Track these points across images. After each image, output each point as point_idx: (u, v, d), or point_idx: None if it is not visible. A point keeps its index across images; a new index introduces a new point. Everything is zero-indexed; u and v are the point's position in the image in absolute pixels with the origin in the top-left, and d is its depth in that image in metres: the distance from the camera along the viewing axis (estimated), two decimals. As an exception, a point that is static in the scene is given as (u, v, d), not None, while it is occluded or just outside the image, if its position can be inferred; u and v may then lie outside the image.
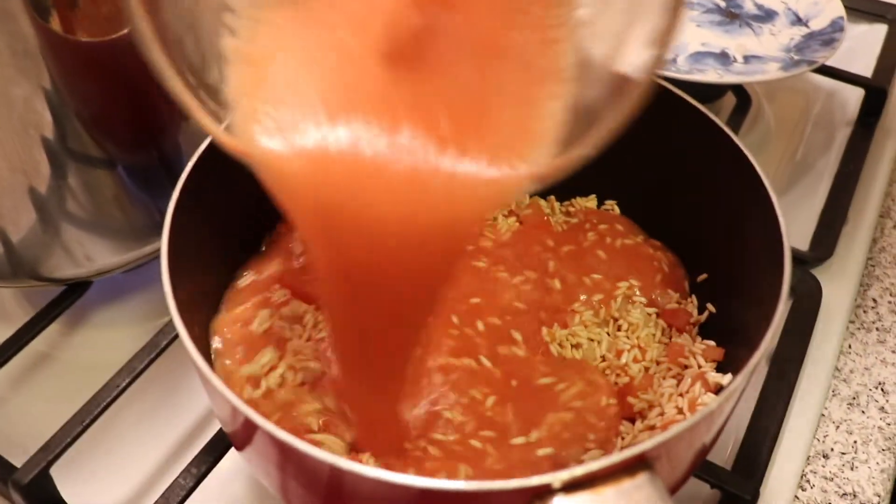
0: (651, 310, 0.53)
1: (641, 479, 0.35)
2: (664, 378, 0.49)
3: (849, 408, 0.64)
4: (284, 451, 0.38)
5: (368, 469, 0.35)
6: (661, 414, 0.47)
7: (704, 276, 0.55)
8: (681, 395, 0.48)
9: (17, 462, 0.54)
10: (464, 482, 0.35)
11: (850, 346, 0.68)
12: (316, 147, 0.32)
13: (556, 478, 0.34)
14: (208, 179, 0.51)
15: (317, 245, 0.37)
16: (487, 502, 0.36)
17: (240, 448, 0.46)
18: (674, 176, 0.52)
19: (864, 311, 0.71)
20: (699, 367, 0.50)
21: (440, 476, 0.42)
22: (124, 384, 0.56)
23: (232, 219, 0.56)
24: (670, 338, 0.52)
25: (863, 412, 0.64)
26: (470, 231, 0.37)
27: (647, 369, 0.49)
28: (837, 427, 0.63)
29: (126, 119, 0.58)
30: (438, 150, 0.32)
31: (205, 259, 0.52)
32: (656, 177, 0.55)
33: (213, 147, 0.51)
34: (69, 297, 0.65)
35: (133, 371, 0.56)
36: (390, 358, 0.41)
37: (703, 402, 0.48)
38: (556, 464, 0.43)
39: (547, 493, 0.34)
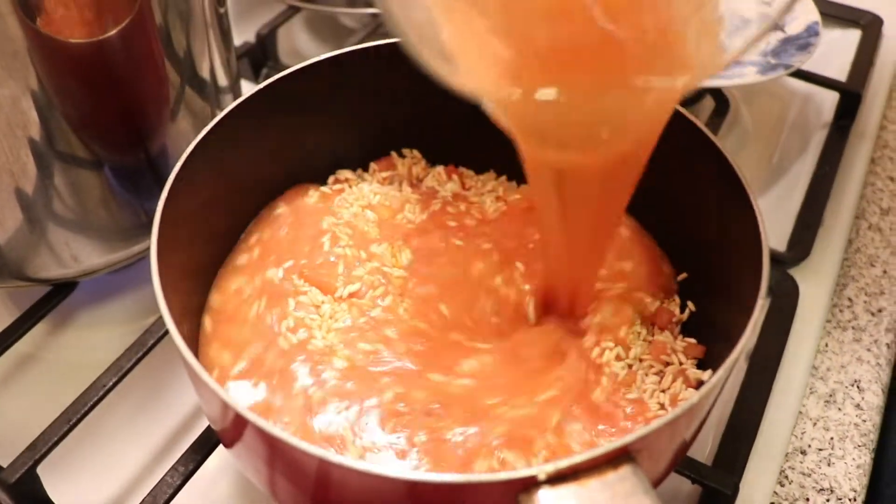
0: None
1: (625, 471, 0.36)
2: (647, 375, 0.50)
3: (826, 405, 0.65)
4: (273, 445, 0.39)
5: (356, 462, 0.36)
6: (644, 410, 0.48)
7: (684, 275, 0.56)
8: (663, 391, 0.49)
9: (4, 462, 0.54)
10: (450, 475, 0.36)
11: (826, 345, 0.70)
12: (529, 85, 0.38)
13: (542, 470, 0.35)
14: (196, 179, 0.51)
15: (536, 168, 0.44)
16: (474, 494, 0.37)
17: (228, 445, 0.46)
18: (656, 177, 0.53)
19: (840, 311, 0.72)
20: (680, 363, 0.51)
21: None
22: (111, 383, 0.56)
23: (218, 217, 0.56)
24: (653, 335, 0.52)
25: (839, 409, 0.65)
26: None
27: (630, 367, 0.50)
28: (815, 424, 0.64)
29: (113, 120, 0.58)
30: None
31: (193, 258, 0.53)
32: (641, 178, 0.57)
33: (200, 147, 0.51)
34: (55, 298, 0.65)
35: (120, 370, 0.57)
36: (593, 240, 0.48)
37: (685, 397, 0.49)
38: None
39: (532, 486, 0.35)
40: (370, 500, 0.39)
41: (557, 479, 0.35)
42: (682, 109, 0.51)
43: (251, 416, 0.38)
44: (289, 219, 0.57)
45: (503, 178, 0.63)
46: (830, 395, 0.66)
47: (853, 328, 0.71)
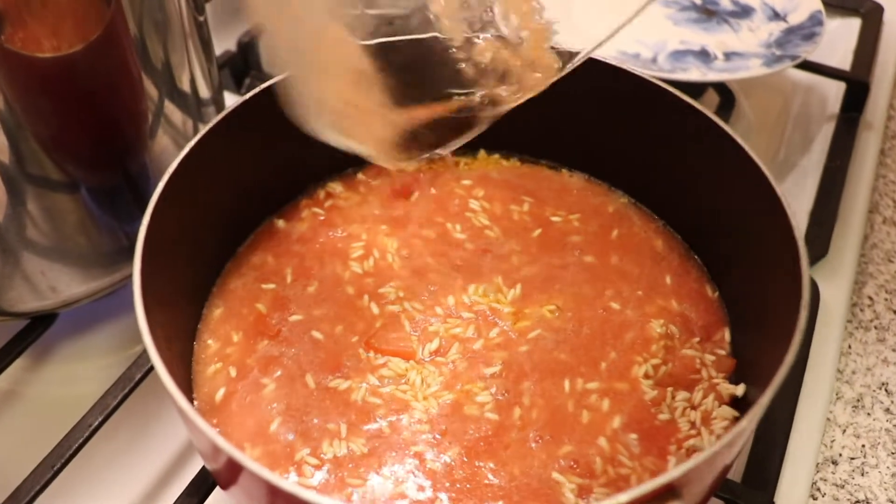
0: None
1: (671, 509, 0.32)
2: (676, 391, 0.46)
3: (854, 410, 0.62)
4: (272, 491, 0.35)
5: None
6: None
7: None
8: (693, 407, 0.46)
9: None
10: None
11: (849, 347, 0.66)
12: None
13: (581, 515, 0.31)
14: (180, 198, 0.47)
15: None
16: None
17: (225, 487, 0.42)
18: (696, 196, 0.52)
19: (861, 310, 0.69)
20: (710, 378, 0.47)
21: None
22: (97, 423, 0.52)
23: (205, 239, 0.52)
24: (681, 349, 0.49)
25: (868, 414, 0.62)
26: None
27: (660, 384, 0.47)
28: (844, 431, 0.61)
29: (88, 139, 0.54)
30: None
31: (178, 283, 0.49)
32: (665, 178, 0.54)
33: (183, 165, 0.47)
34: (34, 332, 0.61)
35: (106, 408, 0.53)
36: None
37: (718, 415, 0.45)
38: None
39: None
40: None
41: (599, 522, 0.32)
42: (717, 120, 0.48)
43: (247, 461, 0.34)
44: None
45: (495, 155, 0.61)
46: (858, 400, 0.63)
47: (876, 328, 0.68)
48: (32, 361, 0.63)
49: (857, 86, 0.83)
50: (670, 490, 0.32)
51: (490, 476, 0.43)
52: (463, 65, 0.43)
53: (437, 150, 0.46)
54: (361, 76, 0.43)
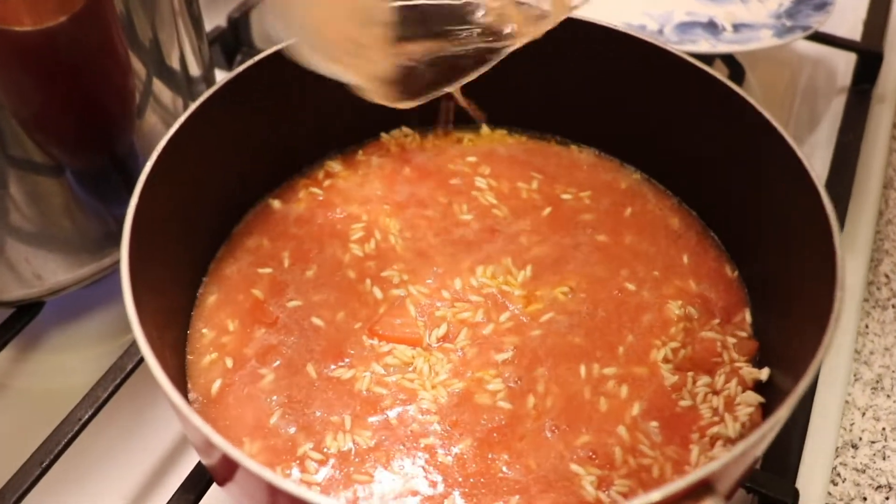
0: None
1: (707, 505, 0.30)
2: (697, 376, 0.44)
3: (873, 392, 0.60)
4: (271, 490, 0.33)
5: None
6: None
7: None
8: (715, 393, 0.44)
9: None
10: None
11: (867, 326, 0.64)
12: None
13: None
14: (170, 179, 0.45)
15: None
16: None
17: (222, 483, 0.40)
18: (715, 170, 0.50)
19: (878, 288, 0.67)
20: (732, 361, 0.45)
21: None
22: (87, 416, 0.50)
23: (197, 221, 0.50)
24: (700, 332, 0.47)
25: (888, 396, 0.60)
26: None
27: (680, 369, 0.44)
28: (863, 414, 0.59)
29: (72, 119, 0.52)
30: None
31: (169, 268, 0.46)
32: (680, 152, 0.52)
33: (173, 143, 0.45)
34: (19, 321, 0.58)
35: (96, 401, 0.50)
36: None
37: (743, 400, 0.43)
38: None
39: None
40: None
41: (631, 522, 0.29)
42: (734, 86, 0.46)
43: (243, 459, 0.31)
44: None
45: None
46: (877, 381, 0.61)
47: (893, 306, 0.66)
48: (19, 352, 0.61)
49: (869, 57, 0.80)
50: (705, 486, 0.30)
51: (504, 469, 0.41)
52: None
53: (436, 90, 0.44)
54: (363, 9, 0.40)
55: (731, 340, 0.46)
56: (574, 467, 0.41)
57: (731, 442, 0.42)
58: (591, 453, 0.41)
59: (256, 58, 0.50)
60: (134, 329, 0.37)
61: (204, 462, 0.41)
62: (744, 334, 0.47)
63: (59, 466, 0.49)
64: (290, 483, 0.31)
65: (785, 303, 0.44)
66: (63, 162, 0.52)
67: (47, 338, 0.62)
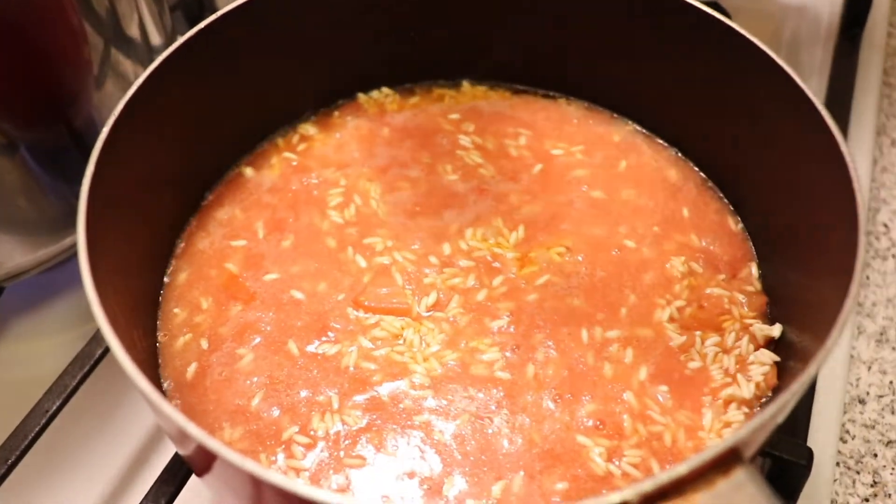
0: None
1: (738, 476, 0.27)
2: (706, 336, 0.41)
3: (877, 345, 0.58)
4: (253, 481, 0.30)
5: (336, 496, 0.28)
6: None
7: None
8: (725, 352, 0.41)
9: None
10: None
11: (868, 278, 0.62)
12: None
13: (636, 491, 0.26)
14: (130, 148, 0.41)
15: None
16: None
17: (200, 474, 0.37)
18: (699, 101, 0.46)
19: (877, 238, 0.65)
20: (742, 318, 0.42)
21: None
22: (54, 408, 0.47)
23: (162, 193, 0.46)
24: (706, 289, 0.44)
25: (893, 348, 0.58)
26: None
27: (687, 328, 0.42)
28: (869, 368, 0.57)
29: (23, 91, 0.49)
30: None
31: (134, 245, 0.43)
32: (676, 100, 0.50)
33: (129, 108, 0.41)
34: (-25, 308, 0.55)
35: (64, 390, 0.47)
36: None
37: (757, 359, 0.41)
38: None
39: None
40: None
41: (656, 498, 0.26)
42: (732, 24, 0.43)
43: (223, 449, 0.28)
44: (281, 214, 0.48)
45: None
46: (881, 334, 0.59)
47: (894, 256, 0.64)
48: (-21, 342, 0.57)
49: (857, 1, 0.78)
50: (734, 454, 0.27)
51: (506, 444, 0.38)
52: None
53: None
54: None
55: (738, 296, 0.44)
56: (581, 439, 0.38)
57: (745, 404, 0.40)
58: (598, 423, 0.39)
59: (217, 13, 0.46)
60: (95, 311, 0.34)
61: (181, 453, 0.38)
62: (752, 289, 0.44)
63: (28, 461, 0.46)
64: (273, 473, 0.28)
65: (796, 254, 0.42)
66: (16, 137, 0.49)
67: (9, 326, 0.59)
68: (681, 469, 0.26)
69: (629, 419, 0.39)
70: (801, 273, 0.41)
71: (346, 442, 0.38)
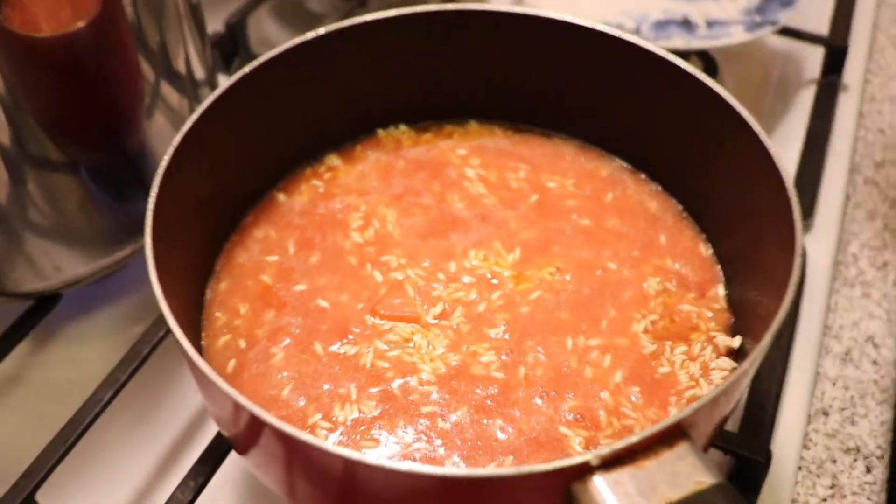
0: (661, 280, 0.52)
1: (681, 449, 0.34)
2: (675, 346, 0.48)
3: (842, 363, 0.64)
4: (294, 446, 0.36)
5: (385, 461, 0.34)
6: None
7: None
8: (691, 360, 0.48)
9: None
10: (491, 469, 0.34)
11: (836, 303, 0.68)
12: None
13: (596, 454, 0.33)
14: (181, 176, 0.48)
15: None
16: (520, 488, 0.34)
17: (243, 451, 0.43)
18: (692, 159, 0.54)
19: (846, 267, 0.71)
20: (708, 331, 0.49)
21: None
22: (108, 397, 0.53)
23: (209, 214, 0.53)
24: (679, 305, 0.50)
25: (856, 367, 0.64)
26: None
27: (659, 338, 0.48)
28: (834, 383, 0.63)
29: (86, 118, 0.55)
30: None
31: (185, 258, 0.50)
32: (657, 142, 0.56)
33: (185, 141, 0.48)
34: (38, 313, 0.62)
35: (116, 383, 0.54)
36: None
37: (717, 366, 0.47)
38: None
39: (587, 472, 0.33)
40: (403, 500, 0.37)
41: (613, 462, 0.33)
42: (708, 80, 0.50)
43: (269, 418, 0.35)
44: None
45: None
46: (846, 353, 0.65)
47: (861, 283, 0.70)
48: (35, 345, 0.64)
49: (835, 50, 0.85)
50: (679, 430, 0.34)
51: (499, 433, 0.44)
52: None
53: None
54: None
55: (706, 312, 0.50)
56: (563, 429, 0.44)
57: (706, 403, 0.46)
58: (578, 416, 0.45)
59: (256, 62, 0.53)
60: (164, 311, 0.40)
61: (225, 432, 0.45)
62: (718, 307, 0.51)
63: (82, 444, 0.52)
64: (319, 441, 0.35)
65: (753, 276, 0.48)
66: (79, 160, 0.55)
67: (62, 330, 0.65)
68: (633, 439, 0.33)
69: (605, 414, 0.45)
70: (755, 292, 0.47)
71: (362, 427, 0.45)
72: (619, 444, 0.33)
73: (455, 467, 0.39)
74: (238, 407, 0.35)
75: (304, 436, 0.34)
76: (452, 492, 0.35)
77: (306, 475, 0.40)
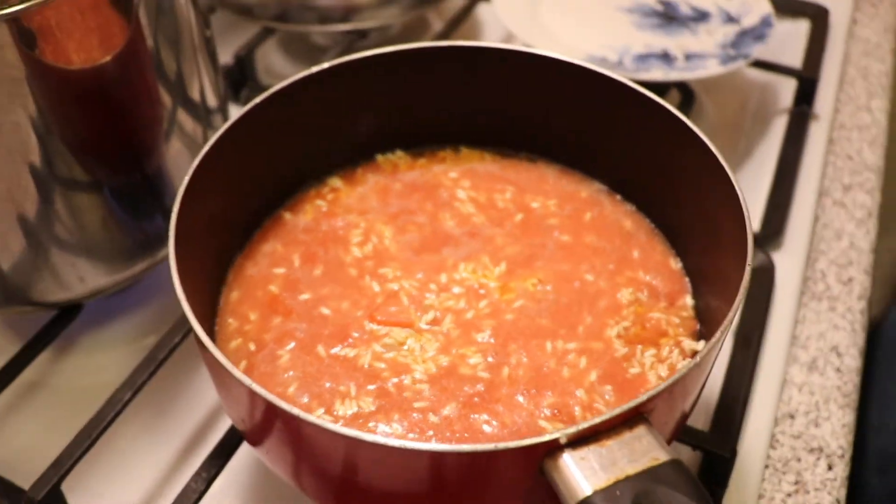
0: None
1: (639, 430, 0.38)
2: (645, 348, 0.53)
3: (808, 371, 0.69)
4: (304, 430, 0.41)
5: (381, 438, 0.38)
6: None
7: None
8: (660, 362, 0.52)
9: (25, 483, 0.55)
10: (474, 445, 0.38)
11: (804, 316, 0.73)
12: None
13: (563, 433, 0.37)
14: (199, 196, 0.52)
15: None
16: (499, 462, 0.39)
17: (257, 442, 0.48)
18: (663, 181, 0.60)
19: (814, 283, 0.76)
20: (676, 336, 0.54)
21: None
22: (127, 398, 0.58)
23: (222, 231, 0.58)
24: (650, 313, 0.55)
25: (821, 374, 0.69)
26: None
27: (631, 343, 0.53)
28: (800, 389, 0.68)
29: (110, 143, 0.59)
30: None
31: (201, 270, 0.54)
32: (632, 166, 0.62)
33: (201, 166, 0.53)
34: (60, 323, 0.66)
35: (135, 384, 0.58)
36: None
37: (684, 367, 0.51)
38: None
39: (556, 449, 0.38)
40: (400, 476, 0.41)
41: (579, 441, 0.38)
42: (676, 111, 0.55)
43: (281, 403, 0.40)
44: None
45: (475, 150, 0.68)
46: (812, 362, 0.70)
47: (827, 298, 0.75)
48: (56, 353, 0.68)
49: (806, 82, 0.91)
50: (638, 415, 0.39)
51: (485, 426, 0.49)
52: None
53: None
54: None
55: (674, 319, 0.55)
56: (542, 423, 0.49)
57: (672, 400, 0.51)
58: (556, 411, 0.50)
59: (269, 91, 0.58)
60: (189, 317, 0.44)
61: (238, 422, 0.49)
62: (685, 314, 0.56)
63: (102, 441, 0.56)
64: (326, 422, 0.39)
65: (715, 288, 0.53)
66: (102, 181, 0.59)
67: (81, 340, 0.69)
68: (596, 420, 0.38)
69: (580, 409, 0.50)
70: (717, 301, 0.52)
71: (361, 420, 0.49)
72: (585, 424, 0.38)
73: (442, 444, 0.43)
74: (252, 394, 0.40)
75: (313, 417, 0.39)
76: (440, 466, 0.39)
77: (312, 456, 0.44)
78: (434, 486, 0.41)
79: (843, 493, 0.61)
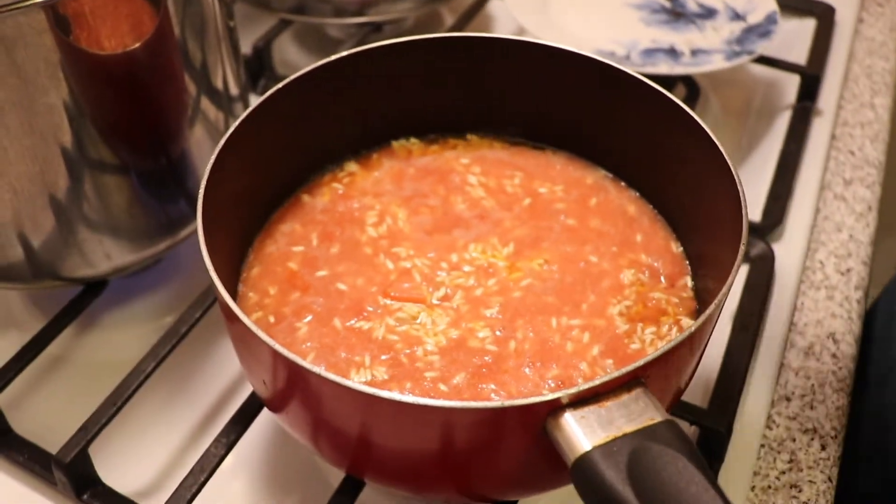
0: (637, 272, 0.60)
1: (637, 393, 0.41)
2: (646, 326, 0.55)
3: (805, 356, 0.71)
4: (337, 391, 0.43)
5: (396, 395, 0.41)
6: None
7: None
8: (660, 338, 0.55)
9: (52, 448, 0.58)
10: (481, 402, 0.41)
11: (802, 303, 0.75)
12: None
13: (566, 394, 0.40)
14: (222, 177, 0.55)
15: None
16: (506, 419, 0.42)
17: (279, 408, 0.50)
18: (662, 168, 0.62)
19: (813, 272, 0.78)
20: (675, 314, 0.56)
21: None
22: (150, 368, 0.60)
23: (244, 211, 0.61)
24: (651, 294, 0.58)
25: (818, 360, 0.71)
26: None
27: (632, 320, 0.55)
28: (796, 374, 0.70)
29: (138, 127, 0.62)
30: None
31: (226, 245, 0.57)
32: (636, 154, 0.64)
33: (224, 150, 0.55)
34: (83, 301, 0.69)
35: (158, 356, 0.61)
36: None
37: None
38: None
39: (558, 409, 0.40)
40: (412, 434, 0.44)
41: (579, 401, 0.40)
42: (680, 102, 0.57)
43: (303, 362, 0.42)
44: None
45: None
46: (809, 348, 0.72)
47: (826, 287, 0.77)
48: (78, 329, 0.71)
49: (810, 78, 0.93)
50: (635, 377, 0.41)
51: (493, 395, 0.52)
52: None
53: None
54: None
55: (674, 300, 0.57)
56: (546, 393, 0.52)
57: (670, 374, 0.53)
58: (559, 383, 0.52)
59: (289, 78, 0.60)
60: (215, 282, 0.46)
61: (260, 388, 0.52)
62: (686, 295, 0.58)
63: (125, 410, 0.59)
64: (344, 379, 0.41)
65: (713, 271, 0.55)
66: (129, 163, 0.62)
67: (103, 317, 0.72)
68: (596, 382, 0.40)
69: (583, 381, 0.52)
70: (715, 283, 0.54)
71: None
72: (585, 385, 0.40)
73: (453, 400, 0.46)
74: (276, 354, 0.43)
75: (334, 375, 0.41)
76: (450, 424, 0.42)
77: (331, 415, 0.47)
78: (444, 444, 0.44)
79: (834, 472, 0.64)
